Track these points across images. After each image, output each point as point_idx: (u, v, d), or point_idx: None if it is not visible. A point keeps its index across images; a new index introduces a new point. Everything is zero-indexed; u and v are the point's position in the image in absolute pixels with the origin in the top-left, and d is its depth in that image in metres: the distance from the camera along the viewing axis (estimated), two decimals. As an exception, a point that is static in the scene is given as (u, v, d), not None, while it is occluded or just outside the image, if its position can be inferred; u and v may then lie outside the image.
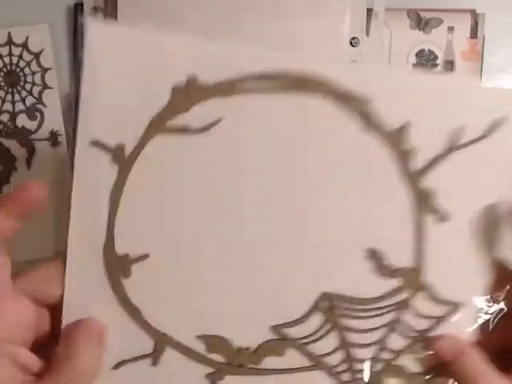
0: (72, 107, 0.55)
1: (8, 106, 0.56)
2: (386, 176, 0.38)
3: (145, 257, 0.39)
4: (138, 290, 0.39)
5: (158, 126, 0.36)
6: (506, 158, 0.38)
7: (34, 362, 0.38)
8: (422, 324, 0.41)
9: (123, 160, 0.37)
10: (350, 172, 0.38)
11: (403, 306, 0.40)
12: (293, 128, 0.37)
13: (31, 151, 0.56)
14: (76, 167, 0.37)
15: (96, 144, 0.37)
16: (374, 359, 0.42)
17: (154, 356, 0.40)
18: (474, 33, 0.53)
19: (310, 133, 0.37)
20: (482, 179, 0.39)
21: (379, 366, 0.42)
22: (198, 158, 0.37)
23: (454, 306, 0.41)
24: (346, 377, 0.42)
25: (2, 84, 0.56)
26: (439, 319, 0.41)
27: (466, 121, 0.38)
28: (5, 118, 0.56)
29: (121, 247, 0.39)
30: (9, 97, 0.56)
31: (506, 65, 0.51)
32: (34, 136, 0.56)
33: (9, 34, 0.55)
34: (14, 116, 0.56)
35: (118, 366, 0.40)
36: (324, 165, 0.38)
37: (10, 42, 0.56)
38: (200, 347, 0.41)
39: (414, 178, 0.38)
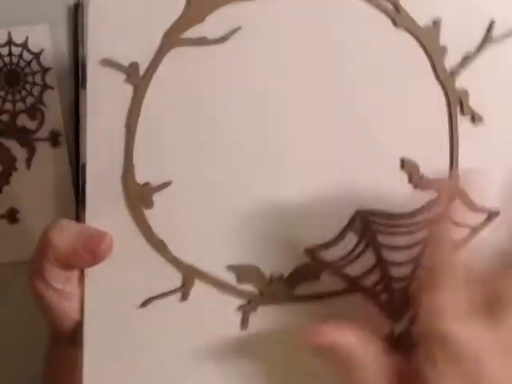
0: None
1: (8, 106, 0.56)
2: (421, 77, 0.36)
3: (167, 184, 0.37)
4: (161, 221, 0.37)
5: (172, 39, 0.34)
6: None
7: None
8: (457, 234, 0.40)
9: (138, 79, 0.34)
10: (383, 73, 0.36)
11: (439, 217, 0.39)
12: (318, 28, 0.35)
13: (31, 151, 0.55)
14: (88, 91, 0.35)
15: (108, 63, 0.34)
16: (412, 277, 0.40)
17: (183, 290, 0.38)
18: None
19: (338, 33, 0.35)
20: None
21: (416, 285, 0.40)
22: (217, 71, 0.35)
23: (490, 214, 0.39)
24: (383, 297, 0.40)
25: (2, 84, 0.55)
26: (475, 229, 0.40)
27: (497, 14, 0.36)
28: (5, 117, 0.56)
29: (141, 175, 0.36)
30: (9, 97, 0.56)
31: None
32: (34, 136, 0.55)
33: (9, 33, 0.55)
34: (14, 116, 0.56)
35: (145, 303, 0.38)
36: (355, 66, 0.36)
37: (10, 41, 0.55)
38: (231, 278, 0.39)
39: (447, 78, 0.36)
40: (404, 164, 0.37)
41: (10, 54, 0.55)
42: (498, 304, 0.34)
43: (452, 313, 0.34)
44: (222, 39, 0.34)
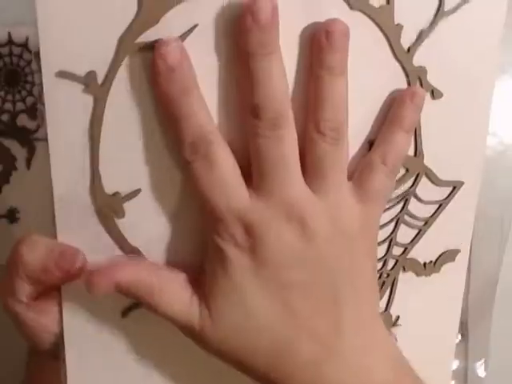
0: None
1: (8, 106, 0.55)
2: (380, 58, 0.36)
3: (137, 192, 0.36)
4: (135, 230, 0.36)
5: (128, 44, 0.33)
6: (490, 21, 0.37)
7: None
8: (426, 211, 0.40)
9: (97, 88, 0.33)
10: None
11: (408, 195, 0.39)
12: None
13: (31, 151, 0.56)
14: (47, 105, 0.33)
15: (64, 75, 0.33)
16: (387, 257, 0.40)
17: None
18: None
19: (294, 20, 0.34)
20: (470, 49, 0.37)
21: (391, 263, 0.41)
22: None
23: (454, 186, 0.40)
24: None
25: (2, 84, 0.55)
26: (441, 203, 0.40)
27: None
28: (5, 117, 0.55)
29: (109, 186, 0.35)
30: (9, 96, 0.55)
31: (506, 65, 0.51)
32: (34, 136, 0.56)
33: (9, 34, 0.55)
34: (14, 116, 0.55)
35: (126, 311, 0.38)
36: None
37: (10, 41, 0.55)
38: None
39: (404, 56, 0.36)
40: (372, 145, 0.37)
41: (10, 53, 0.55)
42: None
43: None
44: (180, 39, 0.33)
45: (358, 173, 0.36)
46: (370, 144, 0.37)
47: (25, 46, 0.55)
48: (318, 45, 0.33)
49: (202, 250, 0.36)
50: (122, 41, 0.33)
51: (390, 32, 0.35)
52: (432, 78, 0.37)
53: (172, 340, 0.38)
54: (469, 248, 0.42)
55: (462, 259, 0.42)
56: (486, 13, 0.37)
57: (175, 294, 0.35)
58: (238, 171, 0.34)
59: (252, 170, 0.34)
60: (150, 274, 0.35)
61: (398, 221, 0.40)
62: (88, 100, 0.33)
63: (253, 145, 0.34)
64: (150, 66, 0.33)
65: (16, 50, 0.55)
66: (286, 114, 0.33)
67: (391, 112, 0.36)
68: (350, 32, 0.33)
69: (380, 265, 0.41)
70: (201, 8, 0.33)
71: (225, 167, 0.33)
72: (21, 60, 0.55)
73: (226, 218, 0.34)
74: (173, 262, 0.37)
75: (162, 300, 0.35)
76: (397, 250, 0.41)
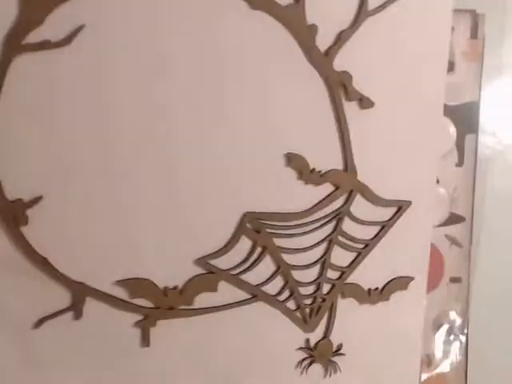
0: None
1: None
2: (291, 62, 0.32)
3: (38, 199, 0.34)
4: (40, 238, 0.35)
5: (13, 46, 0.31)
6: (418, 21, 0.32)
7: None
8: (367, 232, 0.36)
9: (-14, 92, 0.32)
10: (247, 64, 0.32)
11: (340, 214, 0.35)
12: (168, 19, 0.31)
13: None
14: None
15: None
16: (320, 280, 0.37)
17: (75, 309, 0.36)
18: (474, 33, 0.50)
19: (190, 24, 0.31)
20: (407, 50, 0.33)
21: (327, 288, 0.37)
22: (67, 75, 0.32)
23: (399, 206, 0.36)
24: (291, 304, 0.37)
25: None
26: (385, 224, 0.36)
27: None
28: None
29: (11, 192, 0.34)
30: None
31: (506, 65, 0.48)
32: None
33: None
34: None
35: (37, 324, 0.36)
36: (214, 60, 0.32)
37: None
38: (123, 293, 0.36)
39: (322, 60, 0.32)
40: (290, 159, 0.34)
41: None
42: None
43: None
44: (67, 40, 0.31)
45: None
46: (286, 159, 0.33)
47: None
48: None
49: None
50: (6, 43, 0.31)
51: (302, 34, 0.31)
52: (359, 85, 0.32)
53: (84, 353, 0.37)
54: (425, 276, 0.37)
55: (417, 288, 0.37)
56: (424, 8, 0.32)
57: None
58: None
59: None
60: None
61: (330, 241, 0.36)
62: (-22, 105, 0.32)
63: None
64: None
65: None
66: None
67: None
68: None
69: (313, 288, 0.37)
70: (87, 7, 0.31)
71: None
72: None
73: None
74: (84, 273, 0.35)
75: None
76: (333, 274, 0.37)
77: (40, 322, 0.36)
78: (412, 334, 0.39)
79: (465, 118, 0.47)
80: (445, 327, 0.47)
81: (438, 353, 0.48)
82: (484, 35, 0.50)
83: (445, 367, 0.46)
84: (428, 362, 0.47)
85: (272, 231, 0.35)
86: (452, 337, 0.41)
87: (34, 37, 0.31)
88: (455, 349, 0.46)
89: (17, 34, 0.31)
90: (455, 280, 0.50)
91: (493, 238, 0.48)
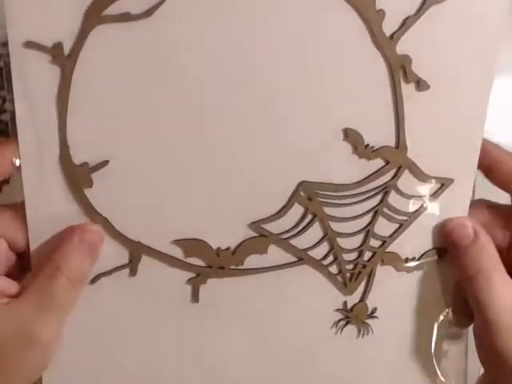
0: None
1: (8, 106, 0.55)
2: (358, 46, 0.34)
3: (104, 163, 0.36)
4: (103, 199, 0.36)
5: (94, 15, 0.32)
6: (490, 13, 0.34)
7: (11, 285, 0.36)
8: (410, 205, 0.38)
9: (64, 59, 0.33)
10: (319, 47, 0.34)
11: (388, 187, 0.38)
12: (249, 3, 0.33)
13: None
14: (14, 75, 0.34)
15: (30, 45, 0.33)
16: (363, 248, 0.39)
17: (131, 266, 0.38)
18: None
19: (268, 3, 0.33)
20: (465, 41, 0.35)
21: (368, 255, 0.39)
22: (145, 47, 0.33)
23: (442, 183, 0.38)
24: (333, 269, 0.40)
25: (2, 84, 0.55)
26: (427, 199, 0.38)
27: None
28: (5, 117, 0.54)
29: (78, 156, 0.36)
30: (9, 96, 0.55)
31: (506, 65, 0.48)
32: None
33: None
34: (14, 116, 0.55)
35: (94, 280, 0.38)
36: (290, 37, 0.34)
37: None
38: (177, 252, 0.38)
39: (386, 43, 0.34)
40: (347, 134, 0.36)
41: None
42: None
43: None
44: (147, 13, 0.33)
45: None
46: (344, 133, 0.36)
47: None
48: None
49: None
50: (88, 12, 0.33)
51: (371, 18, 0.33)
52: (418, 68, 0.35)
53: (137, 308, 0.39)
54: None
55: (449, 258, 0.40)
56: (486, 3, 0.34)
57: None
58: None
59: None
60: None
61: (376, 212, 0.38)
62: (55, 71, 0.33)
63: None
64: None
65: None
66: None
67: None
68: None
69: (355, 255, 0.39)
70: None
71: None
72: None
73: None
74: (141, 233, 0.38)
75: None
76: (375, 243, 0.39)
77: (97, 278, 0.38)
78: (439, 298, 0.42)
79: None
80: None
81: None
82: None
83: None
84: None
85: (323, 200, 0.37)
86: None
87: (115, 8, 0.32)
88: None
89: (100, 4, 0.32)
90: None
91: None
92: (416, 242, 0.40)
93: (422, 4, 0.33)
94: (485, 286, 0.37)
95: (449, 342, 0.42)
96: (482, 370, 0.38)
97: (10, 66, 0.33)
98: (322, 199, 0.37)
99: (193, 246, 0.38)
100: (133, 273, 0.38)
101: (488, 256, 0.37)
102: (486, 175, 0.38)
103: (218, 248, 0.38)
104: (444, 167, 0.38)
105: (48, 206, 0.36)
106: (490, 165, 0.38)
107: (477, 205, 0.39)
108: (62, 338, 0.37)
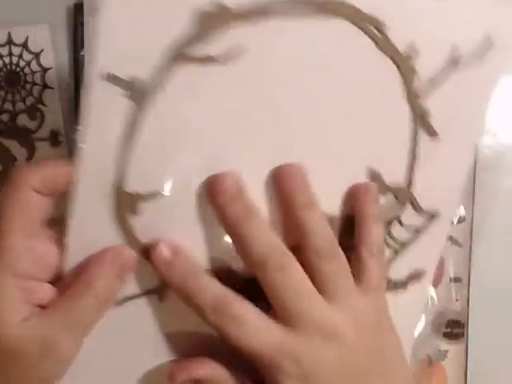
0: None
1: (8, 106, 0.55)
2: (391, 96, 0.39)
3: (154, 195, 0.37)
4: (146, 228, 0.38)
5: (177, 55, 0.33)
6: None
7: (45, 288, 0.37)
8: (405, 236, 0.44)
9: (139, 94, 0.34)
10: (361, 94, 0.39)
11: (393, 219, 0.43)
12: (317, 53, 0.37)
13: (31, 151, 0.56)
14: (85, 105, 0.33)
15: (109, 78, 0.33)
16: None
17: (160, 291, 0.39)
18: None
19: (327, 53, 0.37)
20: (465, 106, 0.41)
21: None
22: (222, 90, 0.35)
23: (432, 215, 0.45)
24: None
25: (2, 84, 0.55)
26: (419, 229, 0.45)
27: (463, 40, 0.39)
28: (5, 117, 0.55)
29: (131, 185, 0.36)
30: (9, 97, 0.55)
31: (507, 65, 0.51)
32: (34, 136, 0.56)
33: (9, 34, 0.56)
34: (14, 116, 0.56)
35: (122, 301, 0.39)
36: (341, 89, 0.38)
37: (10, 41, 0.56)
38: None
39: (415, 97, 0.39)
40: (372, 176, 0.41)
41: (10, 53, 0.56)
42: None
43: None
44: (229, 58, 0.35)
45: (355, 271, 0.40)
46: (370, 174, 0.41)
47: (25, 46, 0.56)
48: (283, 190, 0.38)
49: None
50: (171, 51, 0.34)
51: (407, 75, 0.39)
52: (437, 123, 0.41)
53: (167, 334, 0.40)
54: (433, 270, 0.47)
55: (425, 280, 0.46)
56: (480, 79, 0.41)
57: None
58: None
59: (274, 306, 0.37)
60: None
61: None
62: (129, 104, 0.34)
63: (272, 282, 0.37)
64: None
65: (16, 50, 0.56)
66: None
67: (356, 208, 0.41)
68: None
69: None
70: (254, 31, 0.34)
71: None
72: (21, 60, 0.56)
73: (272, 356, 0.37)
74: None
75: None
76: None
77: (124, 300, 0.39)
78: (413, 318, 0.48)
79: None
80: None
81: (438, 353, 0.53)
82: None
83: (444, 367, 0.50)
84: (428, 361, 0.53)
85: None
86: (452, 337, 0.47)
87: (198, 50, 0.34)
88: (455, 349, 0.50)
89: (184, 45, 0.34)
90: (455, 280, 0.54)
91: (493, 237, 0.52)
92: (403, 265, 0.45)
93: (446, 67, 0.39)
94: None
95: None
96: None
97: (83, 94, 0.33)
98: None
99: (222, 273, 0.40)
100: (161, 299, 0.40)
101: None
102: None
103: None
104: (434, 201, 0.44)
105: (92, 227, 0.37)
106: None
107: None
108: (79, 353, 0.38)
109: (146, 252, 0.38)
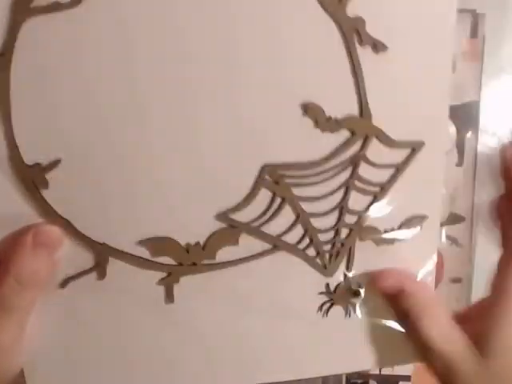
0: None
1: None
2: (306, 12, 0.32)
3: (57, 162, 0.34)
4: (61, 201, 0.34)
5: (23, 9, 0.31)
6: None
7: None
8: (382, 175, 0.37)
9: (-3, 58, 0.31)
10: (266, 20, 0.32)
11: (356, 159, 0.36)
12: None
13: None
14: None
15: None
16: (339, 225, 0.37)
17: (98, 269, 0.36)
18: (474, 33, 0.52)
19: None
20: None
21: (345, 233, 0.38)
22: (78, 36, 0.31)
23: (413, 148, 0.36)
24: (311, 252, 0.38)
25: None
26: (399, 166, 0.37)
27: None
28: None
29: (30, 157, 0.34)
30: None
31: (506, 65, 0.48)
32: None
33: None
34: None
35: (64, 284, 0.36)
36: (239, 13, 0.32)
37: None
38: (145, 253, 0.36)
39: (335, 6, 0.32)
40: (306, 109, 0.34)
41: None
42: None
43: None
44: (76, 2, 0.31)
45: None
46: (303, 108, 0.34)
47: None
48: None
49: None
50: (15, 6, 0.31)
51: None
52: (372, 30, 0.33)
53: (109, 312, 0.37)
54: (438, 216, 0.38)
55: (430, 226, 0.38)
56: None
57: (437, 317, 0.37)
58: None
59: None
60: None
61: (347, 187, 0.36)
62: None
63: None
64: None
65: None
66: None
67: None
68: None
69: (332, 234, 0.37)
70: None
71: None
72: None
73: None
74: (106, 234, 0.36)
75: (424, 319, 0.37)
76: (351, 219, 0.37)
77: (65, 283, 0.36)
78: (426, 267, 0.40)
79: (465, 117, 0.48)
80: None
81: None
82: (484, 35, 0.51)
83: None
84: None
85: (290, 181, 0.35)
86: None
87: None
88: None
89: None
90: (455, 280, 0.52)
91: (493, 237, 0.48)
92: (393, 212, 0.38)
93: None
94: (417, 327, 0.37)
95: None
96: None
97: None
98: (289, 180, 0.35)
99: (160, 244, 0.36)
100: (101, 276, 0.36)
101: (416, 301, 0.38)
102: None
103: (187, 244, 0.36)
104: (413, 131, 0.36)
105: (3, 210, 0.34)
106: None
107: None
108: (33, 340, 0.36)
109: (70, 226, 0.35)
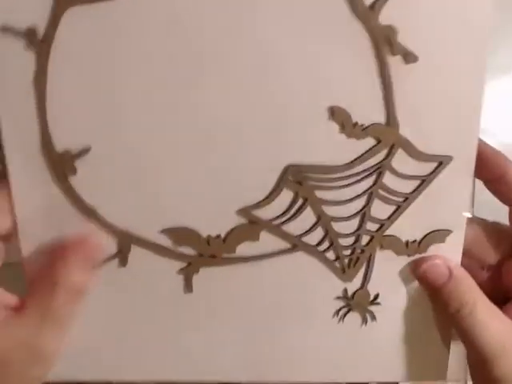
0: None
1: None
2: (336, 18, 0.32)
3: (87, 150, 0.35)
4: (88, 188, 0.36)
5: (65, -1, 0.32)
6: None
7: (8, 297, 0.36)
8: (407, 186, 0.36)
9: (38, 43, 0.33)
10: (293, 22, 0.33)
11: (381, 168, 0.36)
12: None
13: None
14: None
15: (4, 30, 0.33)
16: (360, 232, 0.37)
17: (120, 256, 0.37)
18: None
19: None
20: (447, 6, 0.32)
21: (366, 239, 0.38)
22: (122, 26, 0.32)
23: (440, 162, 0.36)
24: (330, 255, 0.38)
25: None
26: (425, 178, 0.36)
27: None
28: None
29: (61, 144, 0.35)
30: None
31: (507, 65, 0.48)
32: None
33: None
34: None
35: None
36: (271, 17, 0.32)
37: None
38: (167, 242, 0.37)
39: (367, 14, 0.32)
40: (333, 113, 0.34)
41: None
42: None
43: None
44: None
45: None
46: (330, 112, 0.34)
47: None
48: None
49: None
50: (60, -6, 0.32)
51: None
52: (404, 39, 0.33)
53: (129, 299, 0.38)
54: (463, 231, 0.38)
55: (454, 241, 0.38)
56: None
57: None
58: None
59: None
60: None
61: (370, 194, 0.36)
62: (31, 55, 0.33)
63: None
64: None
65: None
66: None
67: None
68: None
69: (352, 239, 0.38)
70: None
71: None
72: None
73: None
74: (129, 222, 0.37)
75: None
76: (372, 226, 0.37)
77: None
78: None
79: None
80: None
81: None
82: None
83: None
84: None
85: (313, 183, 0.36)
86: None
87: (84, -11, 0.32)
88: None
89: (71, -13, 0.32)
90: None
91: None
92: (416, 224, 0.37)
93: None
94: (469, 320, 0.36)
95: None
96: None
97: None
98: (312, 182, 0.36)
99: (182, 234, 0.37)
100: (123, 263, 0.38)
101: (467, 289, 0.37)
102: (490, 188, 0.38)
103: (208, 236, 0.37)
104: (442, 144, 0.35)
105: (35, 197, 0.36)
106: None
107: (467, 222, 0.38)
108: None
109: (95, 214, 0.36)
